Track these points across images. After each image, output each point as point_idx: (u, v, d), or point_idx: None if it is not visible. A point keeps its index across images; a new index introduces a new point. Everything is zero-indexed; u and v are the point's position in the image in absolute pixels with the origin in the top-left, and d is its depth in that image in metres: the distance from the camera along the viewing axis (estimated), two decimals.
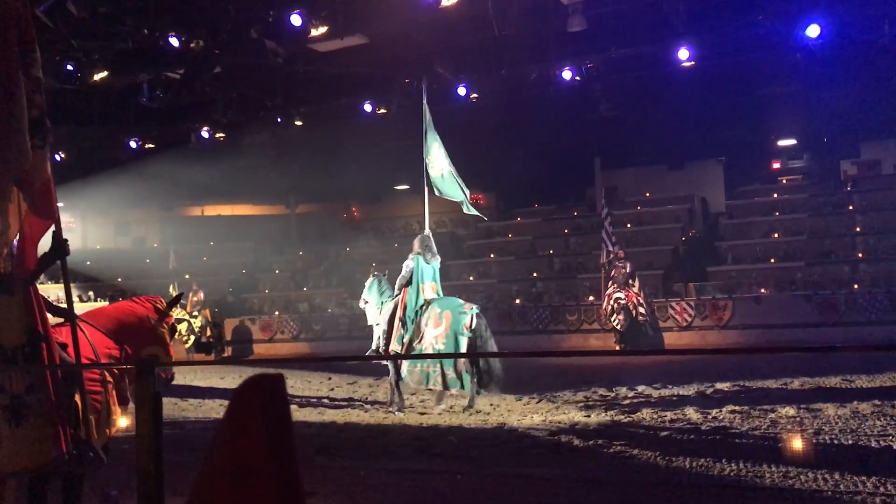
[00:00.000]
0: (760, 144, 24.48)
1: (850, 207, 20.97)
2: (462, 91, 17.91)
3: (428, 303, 9.57)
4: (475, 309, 9.45)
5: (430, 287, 9.73)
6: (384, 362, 10.36)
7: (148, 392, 2.90)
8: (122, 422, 4.83)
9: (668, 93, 18.60)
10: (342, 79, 18.13)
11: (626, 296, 16.20)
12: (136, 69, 16.34)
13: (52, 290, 15.07)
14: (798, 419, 7.73)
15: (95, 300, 21.84)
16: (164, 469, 2.88)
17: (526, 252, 23.67)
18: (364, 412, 9.77)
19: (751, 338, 17.05)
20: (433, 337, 9.25)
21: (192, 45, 14.86)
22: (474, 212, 11.15)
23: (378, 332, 10.10)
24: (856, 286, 17.54)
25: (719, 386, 10.36)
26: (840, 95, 19.22)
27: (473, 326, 9.20)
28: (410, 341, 9.49)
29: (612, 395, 10.25)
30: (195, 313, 20.01)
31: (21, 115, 4.14)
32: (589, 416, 8.60)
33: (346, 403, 10.68)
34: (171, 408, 10.45)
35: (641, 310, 16.25)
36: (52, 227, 4.47)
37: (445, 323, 9.24)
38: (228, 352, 21.91)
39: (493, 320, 19.51)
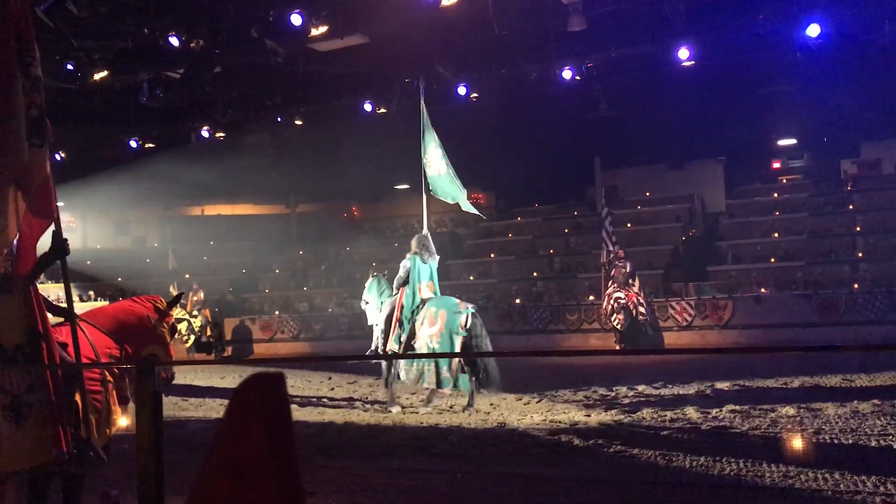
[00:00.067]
0: (760, 144, 24.48)
1: (851, 207, 20.98)
2: (462, 91, 17.90)
3: (424, 302, 9.58)
4: (471, 308, 9.45)
5: (426, 286, 9.74)
6: (383, 362, 10.36)
7: (148, 391, 2.90)
8: (123, 421, 4.83)
9: (668, 92, 18.59)
10: (342, 78, 18.12)
11: (627, 295, 16.20)
12: (136, 69, 16.33)
13: (52, 290, 15.07)
14: (798, 418, 7.73)
15: (95, 300, 21.83)
16: (165, 468, 2.88)
17: (526, 251, 23.67)
18: (364, 412, 9.77)
19: (751, 337, 17.05)
20: (428, 336, 9.26)
21: (193, 44, 14.85)
22: (473, 210, 11.14)
23: (377, 332, 10.14)
24: (856, 286, 17.54)
25: (719, 385, 10.36)
26: (840, 95, 19.21)
27: (468, 326, 9.21)
28: (407, 340, 9.51)
29: (612, 394, 10.24)
30: (195, 313, 20.02)
31: (19, 115, 4.14)
32: (589, 415, 8.60)
33: (346, 403, 10.68)
34: (172, 407, 10.45)
35: (641, 309, 16.25)
36: (52, 227, 4.47)
37: (441, 322, 9.25)
38: (228, 351, 21.91)
39: (493, 320, 19.60)
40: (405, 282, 9.76)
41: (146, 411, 2.87)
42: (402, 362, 9.58)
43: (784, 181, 24.82)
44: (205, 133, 20.60)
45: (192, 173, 21.42)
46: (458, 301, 9.66)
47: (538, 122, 21.58)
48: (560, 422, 8.24)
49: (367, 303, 10.72)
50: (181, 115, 19.74)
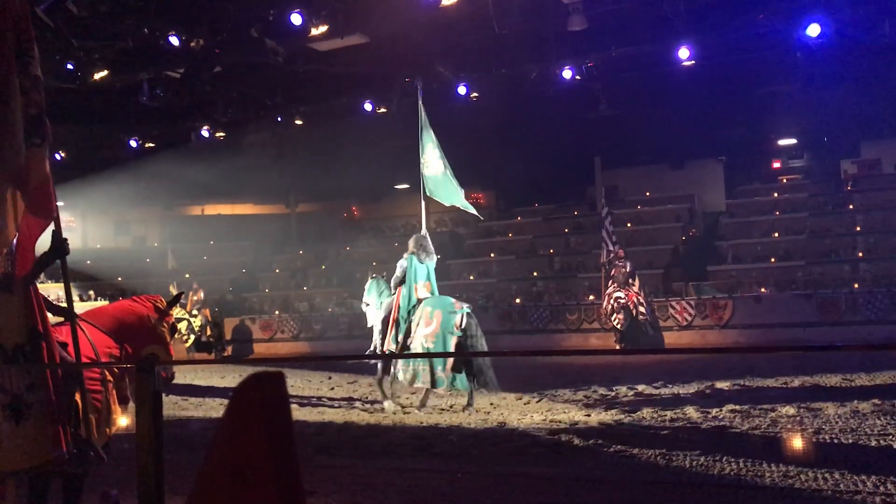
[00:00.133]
0: (761, 144, 24.49)
1: (851, 207, 20.98)
2: (462, 90, 17.91)
3: (420, 302, 9.60)
4: (466, 308, 9.46)
5: (423, 286, 9.76)
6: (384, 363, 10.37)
7: (148, 391, 2.90)
8: (123, 421, 4.83)
9: (668, 92, 18.60)
10: (342, 78, 18.12)
11: (627, 295, 16.20)
12: (136, 68, 16.33)
13: (52, 290, 15.08)
14: (798, 418, 7.73)
15: (95, 299, 21.83)
16: (165, 468, 2.88)
17: (526, 251, 23.68)
18: (364, 411, 9.77)
19: (751, 337, 17.06)
20: (423, 336, 9.27)
21: (193, 44, 14.84)
22: (472, 210, 11.14)
23: (376, 333, 10.18)
24: (856, 285, 17.55)
25: (719, 385, 10.36)
26: (840, 95, 19.21)
27: (463, 326, 9.21)
28: (403, 340, 9.53)
29: (612, 394, 10.24)
30: (195, 312, 20.02)
31: (16, 115, 4.14)
32: (589, 415, 8.60)
33: (345, 403, 10.68)
34: (172, 407, 10.45)
35: (642, 309, 16.25)
36: (52, 227, 4.47)
37: (436, 322, 9.26)
38: (228, 351, 21.91)
39: (493, 319, 19.64)
40: (402, 281, 9.79)
41: (146, 411, 2.87)
42: (399, 362, 9.59)
43: (784, 181, 24.82)
44: (205, 133, 20.60)
45: (193, 173, 21.41)
46: (453, 301, 9.67)
47: (538, 122, 21.58)
48: (560, 421, 8.24)
49: (367, 304, 10.74)
50: (181, 114, 19.74)
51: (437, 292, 9.93)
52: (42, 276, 4.83)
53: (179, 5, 14.25)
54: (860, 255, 19.13)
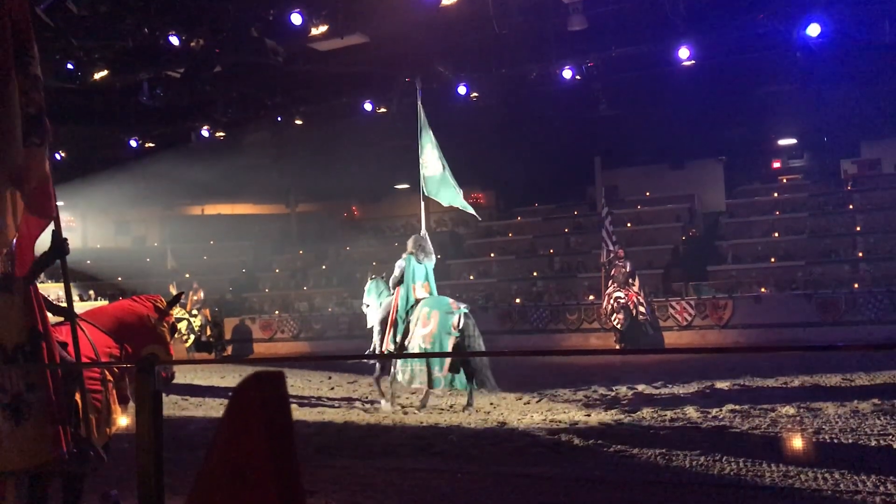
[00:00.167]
0: (761, 143, 24.47)
1: (851, 206, 20.97)
2: (462, 90, 17.90)
3: (418, 302, 9.62)
4: (463, 309, 9.47)
5: (421, 287, 9.78)
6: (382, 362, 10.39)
7: (148, 391, 2.90)
8: (123, 421, 4.83)
9: (668, 92, 18.59)
10: (342, 78, 18.12)
11: (627, 295, 16.20)
12: (136, 68, 16.32)
13: (52, 289, 15.07)
14: (798, 418, 7.73)
15: (96, 299, 21.83)
16: (165, 468, 2.88)
17: (526, 251, 23.68)
18: (364, 411, 9.77)
19: (751, 337, 17.06)
20: (421, 337, 9.29)
21: (193, 44, 14.84)
22: (470, 210, 11.15)
23: (375, 333, 10.21)
24: (856, 285, 17.55)
25: (719, 385, 10.36)
26: (840, 94, 19.21)
27: (461, 326, 9.22)
28: (401, 340, 9.55)
29: (612, 394, 10.24)
30: (195, 312, 20.02)
31: (14, 115, 4.14)
32: (589, 415, 8.61)
33: (345, 403, 10.68)
34: (172, 407, 10.46)
35: (641, 309, 16.26)
36: (52, 226, 4.47)
37: (433, 323, 9.27)
38: (228, 351, 21.91)
39: (493, 319, 19.64)
40: (400, 282, 9.82)
41: (146, 411, 2.87)
42: (398, 363, 9.61)
43: (784, 181, 24.80)
44: (205, 132, 20.59)
45: (193, 173, 21.42)
46: (450, 301, 9.69)
47: (538, 122, 21.57)
48: (560, 421, 8.24)
49: (367, 306, 10.75)
50: (181, 114, 19.74)
51: (435, 293, 9.94)
52: (42, 275, 4.83)
53: (179, 5, 14.25)
54: (860, 255, 19.13)
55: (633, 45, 16.12)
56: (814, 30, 14.38)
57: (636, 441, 7.01)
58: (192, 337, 19.85)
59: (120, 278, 24.88)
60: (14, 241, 4.24)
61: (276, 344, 22.37)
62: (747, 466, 5.87)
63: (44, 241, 4.46)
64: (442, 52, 16.78)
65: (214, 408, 10.54)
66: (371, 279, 10.95)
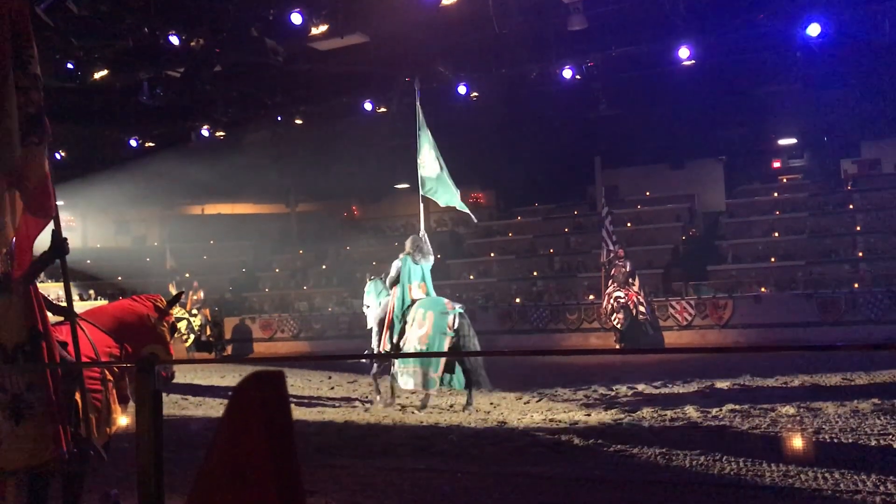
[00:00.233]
0: (761, 143, 24.46)
1: (851, 206, 20.97)
2: (462, 90, 17.90)
3: (414, 303, 9.64)
4: (458, 309, 9.49)
5: (418, 287, 9.79)
6: (382, 363, 10.41)
7: (148, 390, 2.90)
8: (123, 420, 4.83)
9: (668, 92, 18.58)
10: (342, 77, 18.12)
11: (627, 294, 16.20)
12: (136, 67, 16.32)
13: (52, 289, 15.07)
14: (798, 418, 7.73)
15: (95, 299, 21.83)
16: (165, 467, 2.88)
17: (526, 251, 23.67)
18: (364, 411, 9.77)
19: (751, 337, 17.06)
20: (417, 338, 9.32)
21: (193, 43, 14.84)
22: (468, 211, 11.13)
23: (374, 333, 10.25)
24: (856, 285, 17.54)
25: (719, 385, 10.36)
26: (840, 94, 19.21)
27: (456, 326, 9.24)
28: (397, 341, 9.58)
29: (612, 393, 10.25)
30: (195, 312, 20.02)
31: (11, 114, 4.14)
32: (589, 414, 8.61)
33: (345, 402, 10.68)
34: (172, 406, 10.46)
35: (641, 308, 16.25)
36: (52, 226, 4.47)
37: (429, 323, 9.30)
38: (228, 350, 21.91)
39: (493, 319, 19.65)
40: (396, 282, 9.85)
41: (146, 410, 2.87)
42: (396, 365, 9.65)
43: (784, 181, 24.79)
44: (205, 132, 20.58)
45: (193, 172, 21.40)
46: (446, 301, 9.70)
47: (538, 122, 21.56)
48: (560, 421, 8.24)
49: (367, 306, 10.76)
50: (181, 114, 19.73)
51: (433, 293, 9.95)
52: (42, 275, 4.83)
53: (180, 5, 14.24)
54: (860, 255, 19.12)
55: (633, 45, 16.12)
56: (814, 30, 14.38)
57: (636, 441, 7.01)
58: (192, 336, 19.85)
59: (120, 278, 24.87)
60: (13, 240, 4.24)
61: (276, 343, 22.37)
62: (747, 466, 5.87)
63: (44, 241, 4.46)
64: (442, 52, 16.77)
65: (214, 407, 10.54)
66: (370, 279, 10.96)
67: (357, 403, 10.48)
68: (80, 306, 5.33)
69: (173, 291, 16.37)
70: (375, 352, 10.10)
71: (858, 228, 20.15)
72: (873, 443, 6.52)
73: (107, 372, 4.73)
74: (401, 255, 9.99)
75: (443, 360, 9.21)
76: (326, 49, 15.77)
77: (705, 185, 24.75)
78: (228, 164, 22.25)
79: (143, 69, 16.39)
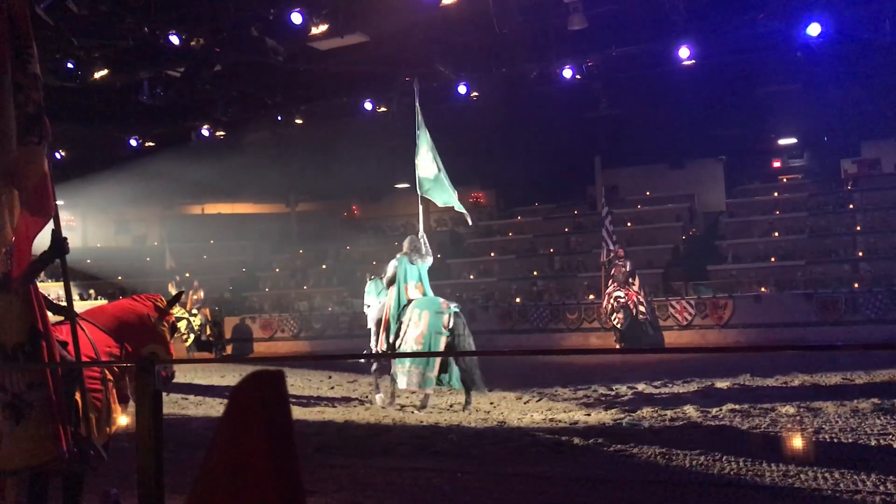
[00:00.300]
0: (761, 143, 24.47)
1: (851, 206, 20.97)
2: (462, 89, 17.88)
3: (410, 303, 9.67)
4: (453, 308, 9.51)
5: (414, 287, 9.82)
6: (381, 362, 10.43)
7: (148, 390, 2.90)
8: (123, 420, 4.83)
9: (668, 91, 18.58)
10: (342, 77, 18.11)
11: (627, 294, 16.20)
12: (136, 67, 16.31)
13: (52, 289, 15.09)
14: (798, 417, 7.73)
15: (96, 298, 21.83)
16: (165, 467, 2.88)
17: (526, 250, 23.68)
18: (364, 410, 9.78)
19: (751, 336, 17.06)
20: (413, 338, 9.35)
21: (193, 43, 14.83)
22: (465, 212, 11.13)
23: (372, 333, 10.29)
24: (856, 285, 17.55)
25: (719, 384, 10.36)
26: (840, 94, 19.19)
27: (451, 325, 9.26)
28: (393, 341, 9.60)
29: (612, 393, 10.25)
30: (195, 311, 20.02)
31: (8, 113, 4.14)
32: (589, 414, 8.61)
33: (345, 402, 10.69)
34: (172, 406, 10.46)
35: (642, 308, 16.25)
36: (52, 225, 4.46)
37: (424, 323, 9.33)
38: (228, 350, 21.91)
39: (493, 319, 19.66)
40: (392, 281, 9.88)
41: (146, 410, 2.87)
42: (394, 365, 9.67)
43: (784, 180, 24.80)
44: (205, 132, 20.58)
45: (193, 172, 21.41)
46: (441, 301, 9.73)
47: (538, 121, 21.56)
48: (560, 421, 8.24)
49: (368, 306, 10.78)
50: (181, 113, 19.73)
51: (430, 293, 9.96)
52: (42, 274, 4.82)
53: (180, 4, 14.24)
54: (860, 254, 19.13)
55: (633, 44, 16.10)
56: (814, 29, 14.38)
57: (636, 440, 7.01)
58: (192, 336, 19.84)
59: (120, 277, 24.88)
60: (12, 240, 4.23)
61: (276, 343, 22.37)
62: (747, 466, 5.87)
63: (44, 240, 4.46)
64: (442, 52, 16.76)
65: (214, 407, 10.54)
66: (370, 279, 10.98)
67: (357, 403, 10.48)
68: (80, 306, 5.33)
69: (173, 291, 16.38)
70: (374, 352, 10.12)
71: (858, 228, 20.15)
72: (873, 443, 6.52)
73: (107, 371, 4.73)
74: (398, 256, 10.02)
75: (439, 359, 9.24)
76: (326, 49, 15.76)
77: (705, 184, 24.75)
78: (228, 164, 22.26)
79: (143, 69, 16.38)
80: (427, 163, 10.56)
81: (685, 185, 24.52)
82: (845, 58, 16.41)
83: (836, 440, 6.67)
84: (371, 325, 10.45)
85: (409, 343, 9.34)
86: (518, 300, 20.39)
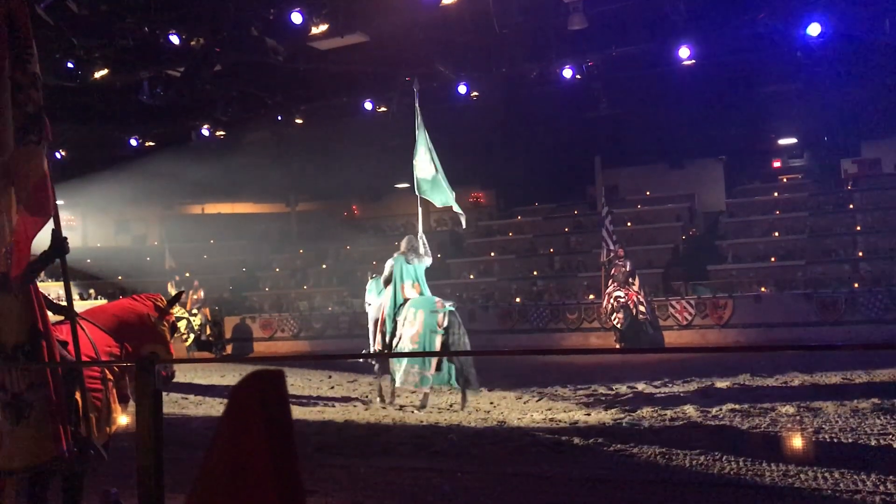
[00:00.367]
0: (761, 143, 24.46)
1: (851, 206, 20.97)
2: (462, 89, 17.88)
3: (406, 302, 9.68)
4: (448, 307, 9.53)
5: (411, 287, 9.84)
6: (380, 362, 10.43)
7: (148, 390, 2.90)
8: (123, 419, 4.83)
9: (668, 91, 18.58)
10: (342, 77, 18.11)
11: (627, 294, 16.20)
12: (136, 67, 16.31)
13: (52, 288, 15.09)
14: (798, 417, 7.73)
15: (96, 298, 21.83)
16: (165, 466, 2.88)
17: (526, 250, 23.67)
18: (364, 410, 9.78)
19: (751, 336, 17.06)
20: (408, 337, 9.37)
21: (193, 42, 14.83)
22: (461, 213, 11.14)
23: (370, 333, 10.31)
24: (856, 285, 17.54)
25: (719, 384, 10.37)
26: (841, 94, 19.18)
27: (445, 324, 9.27)
28: (389, 340, 9.63)
29: (612, 393, 10.25)
30: (195, 311, 20.02)
31: (6, 112, 4.14)
32: (589, 414, 8.61)
33: (345, 402, 10.69)
34: (172, 405, 10.46)
35: (642, 308, 16.25)
36: (52, 225, 4.46)
37: (419, 322, 9.35)
38: (228, 350, 21.91)
39: (493, 318, 19.66)
40: (389, 280, 9.91)
41: (146, 409, 2.87)
42: (392, 364, 9.68)
43: (784, 180, 24.79)
44: (205, 131, 20.59)
45: (193, 172, 21.41)
46: (436, 300, 9.75)
47: (538, 121, 21.56)
48: (560, 420, 8.24)
49: (369, 304, 10.79)
50: (181, 113, 19.72)
51: (427, 293, 9.98)
52: (42, 274, 4.82)
53: (180, 4, 14.24)
54: (860, 255, 19.12)
55: (633, 44, 16.10)
56: (814, 29, 14.37)
57: (636, 440, 7.01)
58: (192, 336, 19.85)
59: (120, 277, 24.88)
60: (11, 240, 4.23)
61: (276, 343, 22.37)
62: (747, 466, 5.88)
63: (43, 240, 4.46)
64: (442, 52, 16.76)
65: (214, 406, 10.55)
66: (372, 278, 11.00)
67: (357, 403, 10.48)
68: (80, 305, 5.33)
69: (173, 291, 16.39)
70: (371, 351, 10.14)
71: (858, 228, 20.14)
72: (873, 442, 6.52)
73: (107, 371, 4.73)
74: (395, 255, 10.05)
75: (435, 358, 9.27)
76: (327, 48, 15.76)
77: (705, 184, 24.75)
78: (228, 164, 22.26)
79: (144, 68, 16.38)
80: (425, 164, 10.58)
81: (685, 185, 24.51)
82: (845, 58, 16.40)
83: (836, 440, 6.67)
84: (369, 323, 10.48)
85: (404, 342, 9.37)
86: (518, 300, 20.39)
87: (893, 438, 6.59)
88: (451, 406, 9.62)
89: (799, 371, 10.96)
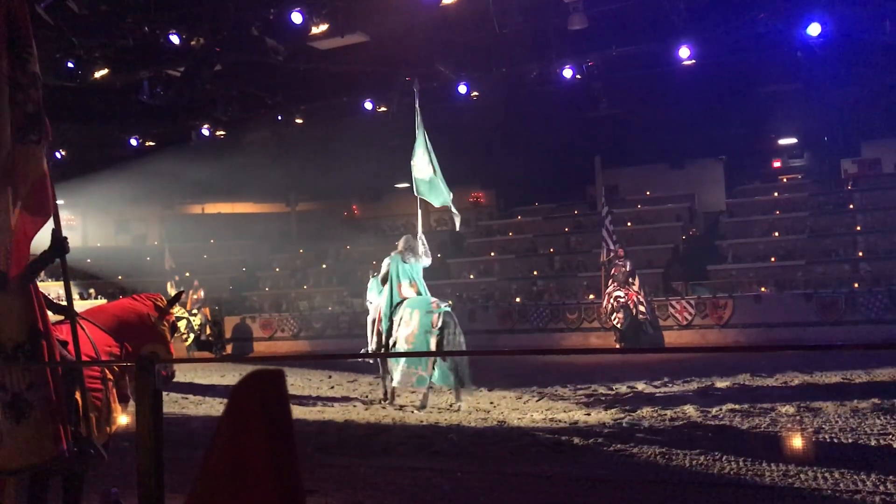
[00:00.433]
0: (761, 143, 24.45)
1: (851, 206, 20.96)
2: (463, 89, 17.89)
3: (402, 301, 9.69)
4: (444, 307, 9.54)
5: (408, 286, 9.85)
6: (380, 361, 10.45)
7: (148, 389, 2.90)
8: (123, 419, 4.83)
9: (668, 91, 18.59)
10: (343, 77, 18.12)
11: (627, 294, 16.20)
12: (136, 66, 16.31)
13: (52, 288, 15.08)
14: (798, 417, 7.73)
15: (96, 298, 21.83)
16: (165, 466, 2.88)
17: (526, 250, 23.67)
18: (364, 410, 9.78)
19: (751, 336, 17.06)
20: (404, 337, 9.38)
21: (193, 42, 14.84)
22: (457, 214, 11.12)
23: (368, 333, 10.33)
24: (856, 285, 17.53)
25: (719, 384, 10.37)
26: (841, 94, 19.20)
27: (440, 325, 9.27)
28: (386, 340, 9.63)
29: (612, 393, 10.25)
30: (195, 311, 20.02)
31: (4, 113, 4.13)
32: (589, 414, 8.61)
33: (345, 401, 10.69)
34: (172, 405, 10.46)
35: (642, 308, 16.25)
36: (52, 225, 4.46)
37: (414, 322, 9.36)
38: (228, 349, 21.92)
39: (493, 318, 19.67)
40: (385, 279, 9.93)
41: (146, 409, 2.87)
42: (389, 364, 9.69)
43: (784, 180, 24.78)
44: (205, 131, 20.59)
45: (193, 171, 21.41)
46: (432, 300, 9.76)
47: (539, 121, 21.56)
48: (560, 420, 8.24)
49: (370, 303, 10.80)
50: (182, 113, 19.73)
51: (425, 293, 9.98)
52: (42, 274, 4.82)
53: (180, 4, 14.25)
54: (860, 255, 19.11)
55: (633, 44, 16.11)
56: (814, 29, 14.37)
57: (636, 440, 7.01)
58: (192, 336, 19.85)
59: (120, 277, 24.88)
60: (11, 239, 4.23)
61: (276, 343, 22.37)
62: (747, 466, 5.88)
63: (43, 240, 4.46)
64: (442, 52, 16.76)
65: (214, 406, 10.55)
66: (373, 276, 10.99)
67: (357, 403, 10.48)
68: (80, 305, 5.33)
69: (173, 291, 16.40)
70: (369, 351, 10.15)
71: (858, 228, 20.14)
72: (873, 443, 6.52)
73: (107, 371, 4.73)
74: (392, 254, 10.06)
75: (431, 358, 9.28)
76: (327, 48, 15.76)
77: (705, 184, 24.74)
78: (229, 164, 22.26)
79: (144, 68, 16.38)
80: (423, 164, 10.59)
81: (685, 185, 24.51)
82: (845, 58, 16.41)
83: (836, 440, 6.67)
84: (368, 323, 10.49)
85: (400, 342, 9.38)
86: (518, 300, 20.39)
87: (893, 438, 6.59)
88: (451, 406, 9.62)
89: (799, 371, 10.96)
